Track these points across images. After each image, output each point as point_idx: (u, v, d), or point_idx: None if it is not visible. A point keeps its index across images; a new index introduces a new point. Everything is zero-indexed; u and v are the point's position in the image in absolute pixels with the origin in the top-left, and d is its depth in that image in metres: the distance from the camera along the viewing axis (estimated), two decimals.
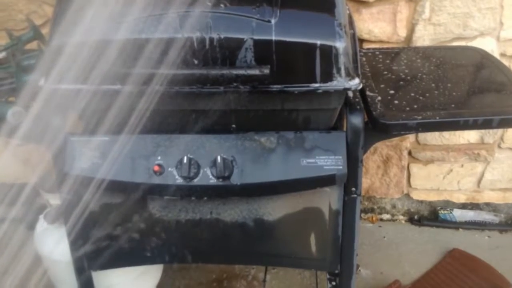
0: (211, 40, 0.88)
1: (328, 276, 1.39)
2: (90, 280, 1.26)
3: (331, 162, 1.02)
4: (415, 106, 1.05)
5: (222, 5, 0.89)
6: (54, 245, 1.32)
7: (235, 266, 1.73)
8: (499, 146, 1.79)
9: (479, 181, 1.87)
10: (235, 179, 1.02)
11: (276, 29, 0.88)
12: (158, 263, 1.49)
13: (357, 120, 1.03)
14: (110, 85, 0.92)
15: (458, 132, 1.76)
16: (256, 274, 1.70)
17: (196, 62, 0.90)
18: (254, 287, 1.66)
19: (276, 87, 0.92)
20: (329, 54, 0.89)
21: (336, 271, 1.23)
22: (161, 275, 1.61)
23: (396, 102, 1.07)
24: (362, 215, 2.00)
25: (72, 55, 0.90)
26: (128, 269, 1.29)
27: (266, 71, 0.89)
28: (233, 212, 1.14)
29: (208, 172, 1.02)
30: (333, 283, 1.35)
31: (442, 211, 1.94)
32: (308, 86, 0.92)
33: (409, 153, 1.82)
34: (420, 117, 1.00)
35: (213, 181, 1.02)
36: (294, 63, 0.92)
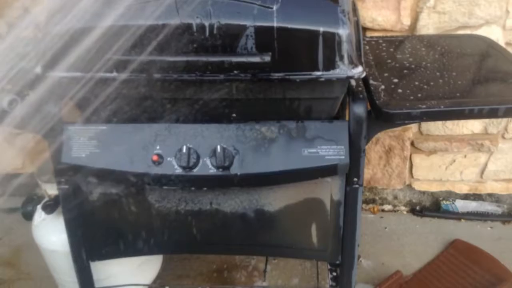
0: (211, 26, 0.86)
1: (329, 267, 1.39)
2: (89, 270, 1.25)
3: (333, 152, 1.01)
4: (419, 95, 1.03)
5: None
6: (53, 235, 1.31)
7: (236, 257, 1.73)
8: (503, 137, 1.77)
9: (482, 172, 1.86)
10: (235, 169, 1.00)
11: (277, 15, 0.86)
12: (157, 254, 1.48)
13: (360, 109, 1.01)
14: (107, 72, 0.90)
15: (461, 122, 1.74)
16: (257, 264, 1.70)
17: (195, 49, 0.88)
18: (254, 278, 1.65)
19: (277, 75, 0.90)
20: (331, 41, 0.87)
21: (337, 262, 1.22)
22: (160, 266, 1.61)
23: (400, 91, 1.05)
24: (364, 205, 1.99)
25: (68, 42, 0.88)
26: (127, 260, 1.28)
27: (267, 58, 0.87)
28: (233, 203, 1.13)
29: (208, 162, 1.01)
30: (334, 273, 1.35)
31: (444, 202, 1.93)
32: (310, 74, 0.90)
33: (412, 143, 1.81)
34: (424, 106, 0.98)
35: (212, 171, 1.01)
36: (296, 51, 0.89)
